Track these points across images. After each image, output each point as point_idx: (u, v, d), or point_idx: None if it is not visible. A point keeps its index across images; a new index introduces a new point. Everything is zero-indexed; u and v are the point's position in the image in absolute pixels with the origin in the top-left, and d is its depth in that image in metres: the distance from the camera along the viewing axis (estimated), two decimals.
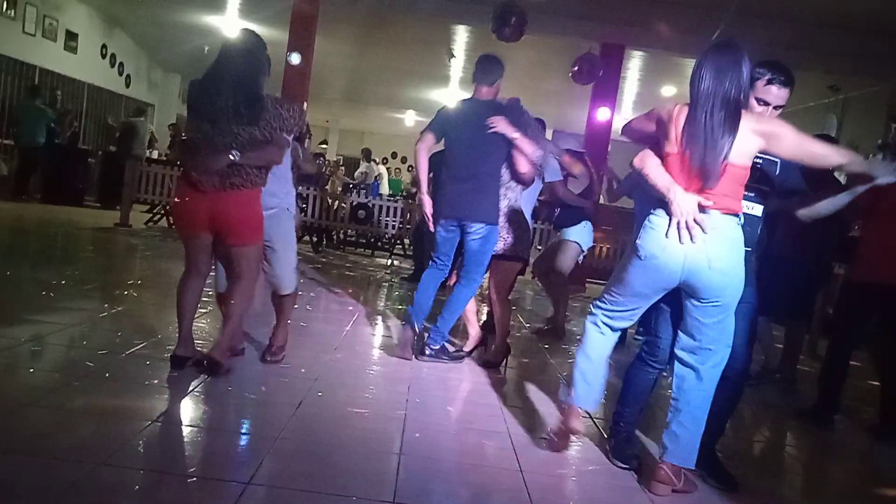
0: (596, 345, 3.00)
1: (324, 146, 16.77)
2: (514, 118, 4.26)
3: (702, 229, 2.57)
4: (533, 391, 4.11)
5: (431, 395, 3.83)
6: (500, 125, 4.18)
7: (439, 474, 2.77)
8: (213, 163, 3.23)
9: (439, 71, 13.24)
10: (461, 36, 11.01)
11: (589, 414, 3.45)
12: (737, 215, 2.66)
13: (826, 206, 2.93)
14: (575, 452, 3.18)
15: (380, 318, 5.85)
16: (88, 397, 2.99)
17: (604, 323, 2.98)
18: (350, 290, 7.11)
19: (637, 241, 2.74)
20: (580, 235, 5.95)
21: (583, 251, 6.05)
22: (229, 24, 11.46)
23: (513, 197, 4.47)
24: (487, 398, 3.90)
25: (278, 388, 3.48)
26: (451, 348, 4.60)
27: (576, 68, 9.07)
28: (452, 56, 11.62)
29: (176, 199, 3.47)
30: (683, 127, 2.61)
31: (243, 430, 2.99)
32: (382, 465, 2.72)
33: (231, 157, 3.21)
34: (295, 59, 9.63)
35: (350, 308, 6.06)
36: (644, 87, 12.87)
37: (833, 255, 5.15)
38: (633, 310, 2.91)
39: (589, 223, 5.98)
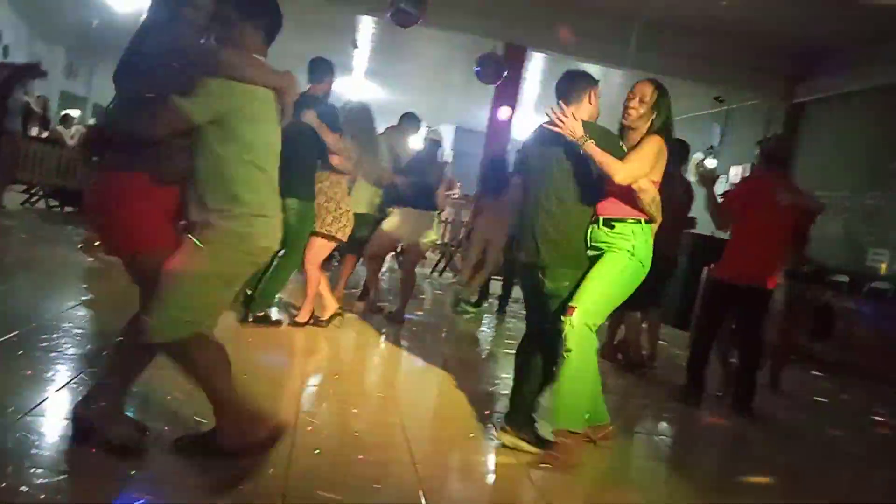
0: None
1: None
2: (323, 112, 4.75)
3: None
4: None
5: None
6: (307, 117, 4.55)
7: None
8: None
9: (342, 59, 13.06)
10: (366, 25, 10.91)
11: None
12: None
13: None
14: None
15: None
16: None
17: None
18: None
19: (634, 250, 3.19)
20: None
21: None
22: None
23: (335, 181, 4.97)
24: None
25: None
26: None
27: (479, 67, 9.14)
28: (356, 46, 11.50)
29: None
30: None
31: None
32: None
33: None
34: None
35: None
36: (545, 89, 13.17)
37: (674, 250, 5.51)
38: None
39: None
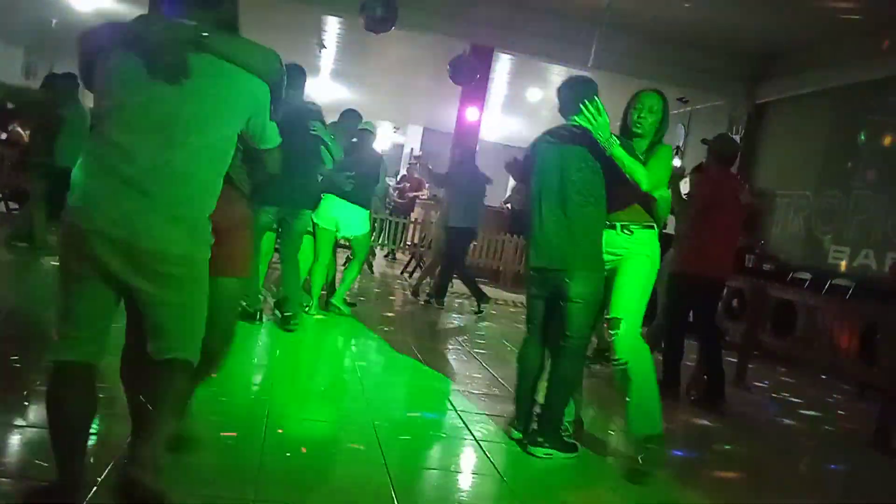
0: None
1: None
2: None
3: None
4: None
5: None
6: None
7: None
8: None
9: (309, 60, 12.96)
10: (332, 26, 10.85)
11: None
12: None
13: None
14: None
15: None
16: None
17: None
18: None
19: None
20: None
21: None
22: None
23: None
24: None
25: None
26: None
27: (453, 69, 9.15)
28: (323, 47, 11.42)
29: None
30: None
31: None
32: None
33: None
34: None
35: None
36: (511, 90, 13.23)
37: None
38: None
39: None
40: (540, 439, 3.27)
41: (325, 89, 14.90)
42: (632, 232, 3.27)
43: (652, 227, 3.32)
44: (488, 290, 9.73)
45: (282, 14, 10.31)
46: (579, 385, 3.52)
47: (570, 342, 3.25)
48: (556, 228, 3.24)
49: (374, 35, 8.62)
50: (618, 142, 3.10)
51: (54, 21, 11.34)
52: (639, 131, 3.37)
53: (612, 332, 3.20)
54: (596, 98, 3.20)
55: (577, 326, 3.22)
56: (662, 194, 3.25)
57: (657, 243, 3.33)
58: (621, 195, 3.25)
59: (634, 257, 3.26)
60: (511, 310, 8.30)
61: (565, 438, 3.35)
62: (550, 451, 3.25)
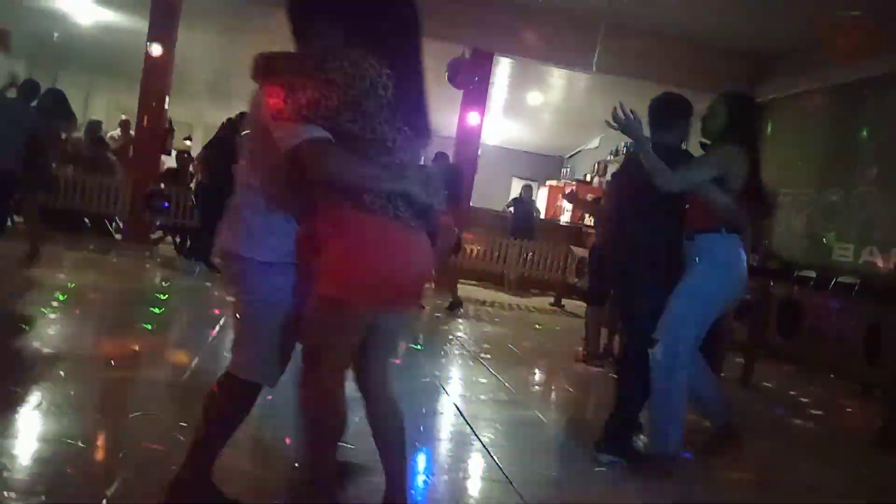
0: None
1: (188, 142, 16.04)
2: None
3: None
4: None
5: None
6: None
7: None
8: None
9: None
10: None
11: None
12: None
13: None
14: None
15: None
16: None
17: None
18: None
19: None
20: None
21: None
22: (82, 10, 10.72)
23: None
24: None
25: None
26: None
27: (451, 73, 9.16)
28: None
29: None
30: None
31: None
32: None
33: None
34: (156, 49, 9.15)
35: None
36: (511, 94, 13.24)
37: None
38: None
39: None
40: (631, 456, 3.35)
41: None
42: (693, 238, 3.33)
43: (719, 231, 3.28)
44: (492, 294, 9.76)
45: (282, 20, 10.35)
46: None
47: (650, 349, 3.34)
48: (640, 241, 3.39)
49: None
50: (648, 144, 3.16)
51: (56, 34, 11.38)
52: (705, 134, 3.52)
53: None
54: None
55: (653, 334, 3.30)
56: (709, 195, 3.23)
57: (723, 246, 3.29)
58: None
59: (694, 265, 3.30)
60: (514, 314, 8.30)
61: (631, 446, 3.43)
62: (622, 458, 3.31)
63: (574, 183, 14.40)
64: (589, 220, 11.17)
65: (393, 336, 2.27)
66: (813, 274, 7.57)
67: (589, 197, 9.36)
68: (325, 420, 2.07)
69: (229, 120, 7.98)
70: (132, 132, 10.53)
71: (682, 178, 3.17)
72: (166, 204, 9.21)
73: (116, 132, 11.78)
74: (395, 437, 2.24)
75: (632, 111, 3.09)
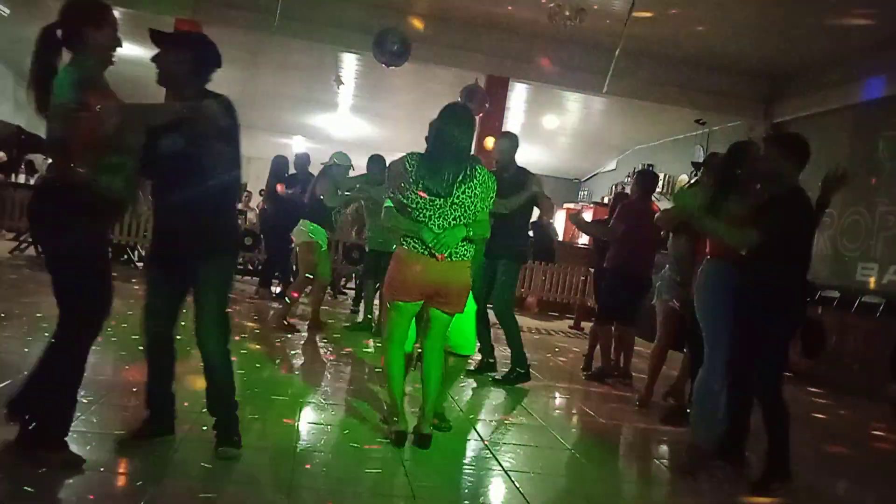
0: None
1: None
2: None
3: None
4: None
5: None
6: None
7: None
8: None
9: (328, 97, 13.17)
10: (349, 63, 11.02)
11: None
12: None
13: None
14: None
15: None
16: None
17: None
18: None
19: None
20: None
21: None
22: None
23: None
24: None
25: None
26: None
27: (464, 99, 9.23)
28: (341, 83, 11.60)
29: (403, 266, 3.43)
30: None
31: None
32: None
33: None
34: None
35: None
36: (528, 118, 13.31)
37: (649, 270, 5.73)
38: None
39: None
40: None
41: (345, 124, 15.10)
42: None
43: (709, 258, 3.75)
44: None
45: (299, 54, 10.52)
46: None
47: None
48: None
49: (389, 69, 8.78)
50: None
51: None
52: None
53: None
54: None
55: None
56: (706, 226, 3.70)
57: (719, 273, 3.68)
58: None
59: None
60: (535, 337, 8.27)
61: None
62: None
63: (580, 205, 14.56)
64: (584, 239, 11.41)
65: None
66: (836, 294, 7.48)
67: (586, 215, 9.47)
68: None
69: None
70: None
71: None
72: None
73: None
74: None
75: None
